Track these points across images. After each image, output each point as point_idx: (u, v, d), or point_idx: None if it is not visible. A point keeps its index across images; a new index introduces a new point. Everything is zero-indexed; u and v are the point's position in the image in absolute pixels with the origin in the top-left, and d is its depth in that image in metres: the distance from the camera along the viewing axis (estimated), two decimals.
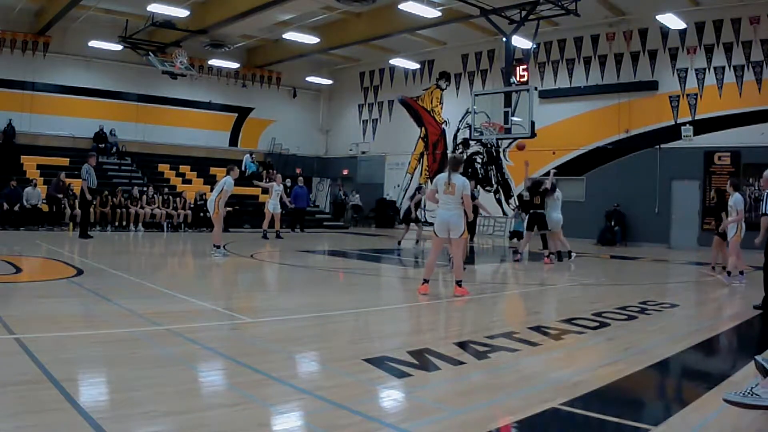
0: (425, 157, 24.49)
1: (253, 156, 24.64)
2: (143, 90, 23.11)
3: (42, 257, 10.76)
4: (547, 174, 20.33)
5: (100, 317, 5.63)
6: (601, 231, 18.49)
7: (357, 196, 25.65)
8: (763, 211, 7.13)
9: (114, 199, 18.01)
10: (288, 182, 23.59)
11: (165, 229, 18.46)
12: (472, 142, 22.09)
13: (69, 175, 18.83)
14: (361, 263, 12.18)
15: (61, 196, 17.21)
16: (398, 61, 23.97)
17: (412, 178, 24.74)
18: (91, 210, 16.02)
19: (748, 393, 3.17)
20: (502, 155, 22.02)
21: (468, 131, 19.65)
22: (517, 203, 20.91)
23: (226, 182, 11.38)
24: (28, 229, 16.10)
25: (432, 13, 17.25)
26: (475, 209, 14.05)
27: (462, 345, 4.87)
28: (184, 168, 22.95)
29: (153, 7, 17.62)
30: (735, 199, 9.34)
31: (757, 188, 16.23)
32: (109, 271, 8.79)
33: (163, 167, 22.65)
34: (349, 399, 3.46)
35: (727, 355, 5.46)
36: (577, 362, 4.70)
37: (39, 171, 18.96)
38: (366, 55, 24.76)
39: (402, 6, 16.87)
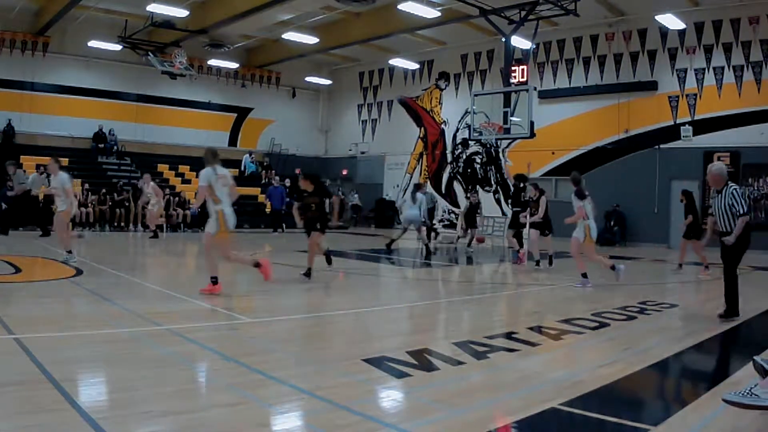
0: (424, 157, 24.49)
1: (253, 156, 24.63)
2: (142, 90, 23.09)
3: (41, 257, 10.75)
4: (549, 174, 20.51)
5: (99, 317, 5.63)
6: (600, 231, 18.42)
7: (356, 196, 25.66)
8: (742, 212, 6.27)
9: (112, 199, 18.02)
10: (288, 182, 23.57)
11: (164, 229, 18.43)
12: (471, 142, 22.09)
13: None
14: (361, 263, 12.18)
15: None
16: (398, 61, 23.97)
17: (411, 178, 24.73)
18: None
19: (747, 393, 3.18)
20: (501, 155, 22.02)
21: (467, 131, 19.65)
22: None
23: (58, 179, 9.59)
24: (27, 229, 16.07)
25: (431, 13, 17.25)
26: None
27: (461, 345, 4.87)
28: (183, 168, 22.93)
29: (152, 7, 17.61)
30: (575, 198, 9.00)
31: (756, 188, 16.27)
32: (108, 271, 8.79)
33: (163, 167, 22.63)
34: (349, 399, 3.46)
35: (726, 355, 5.46)
36: (576, 362, 4.70)
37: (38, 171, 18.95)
38: (365, 55, 24.76)
39: (401, 6, 16.87)
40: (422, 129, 24.63)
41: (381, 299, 8.00)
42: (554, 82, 20.48)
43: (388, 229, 24.14)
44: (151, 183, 16.07)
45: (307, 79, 26.32)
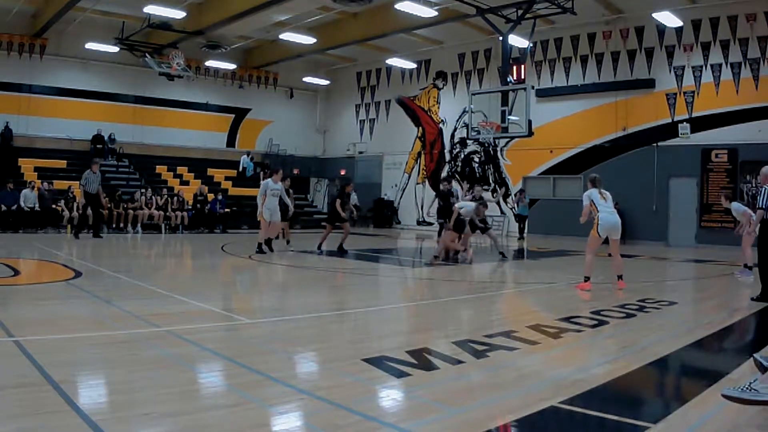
0: (422, 156, 24.49)
1: (251, 156, 24.62)
2: (140, 92, 23.08)
3: (40, 259, 10.74)
4: (547, 172, 20.52)
5: (98, 319, 5.62)
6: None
7: (354, 195, 25.61)
8: (761, 205, 7.27)
9: (112, 202, 17.98)
10: (288, 182, 23.57)
11: (163, 230, 18.44)
12: (469, 141, 22.10)
13: (66, 177, 18.88)
14: (359, 263, 12.18)
15: (58, 207, 17.03)
16: (395, 61, 23.97)
17: (409, 177, 24.74)
18: (102, 212, 16.22)
19: (747, 388, 3.19)
20: (499, 154, 22.04)
21: (465, 130, 19.65)
22: (515, 197, 20.97)
23: None
24: (27, 231, 16.07)
25: (428, 12, 17.25)
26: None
27: (461, 344, 4.87)
28: (182, 169, 22.94)
29: (149, 9, 17.59)
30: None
31: (754, 185, 16.28)
32: (107, 273, 8.79)
33: (161, 169, 22.62)
34: (349, 399, 3.46)
35: (725, 352, 5.47)
36: (576, 360, 4.71)
37: (36, 173, 18.93)
38: (363, 55, 24.76)
39: (398, 6, 16.87)
40: (420, 128, 24.64)
41: (380, 299, 8.00)
42: (552, 80, 20.50)
43: (386, 228, 24.18)
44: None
45: (305, 79, 26.32)
